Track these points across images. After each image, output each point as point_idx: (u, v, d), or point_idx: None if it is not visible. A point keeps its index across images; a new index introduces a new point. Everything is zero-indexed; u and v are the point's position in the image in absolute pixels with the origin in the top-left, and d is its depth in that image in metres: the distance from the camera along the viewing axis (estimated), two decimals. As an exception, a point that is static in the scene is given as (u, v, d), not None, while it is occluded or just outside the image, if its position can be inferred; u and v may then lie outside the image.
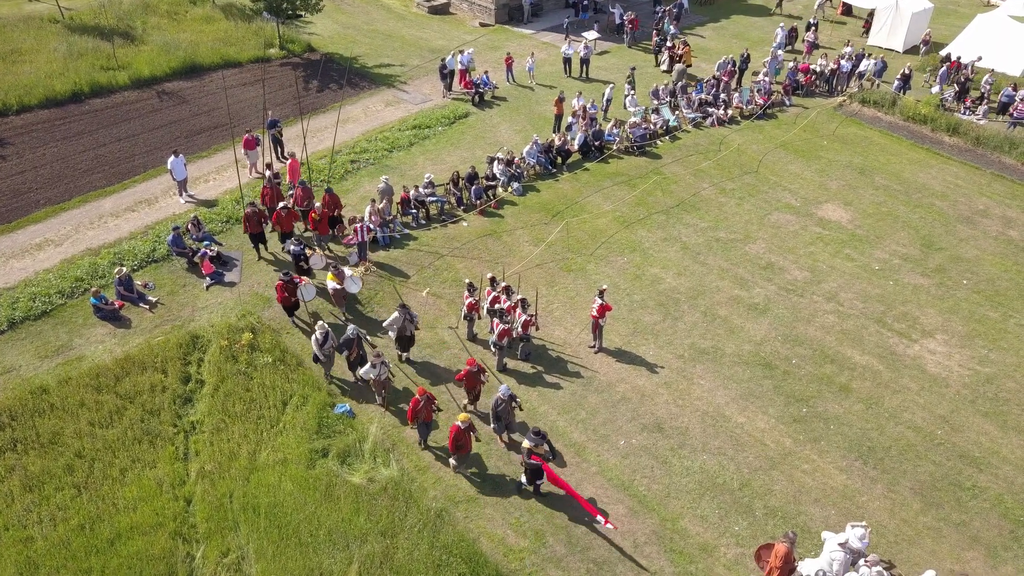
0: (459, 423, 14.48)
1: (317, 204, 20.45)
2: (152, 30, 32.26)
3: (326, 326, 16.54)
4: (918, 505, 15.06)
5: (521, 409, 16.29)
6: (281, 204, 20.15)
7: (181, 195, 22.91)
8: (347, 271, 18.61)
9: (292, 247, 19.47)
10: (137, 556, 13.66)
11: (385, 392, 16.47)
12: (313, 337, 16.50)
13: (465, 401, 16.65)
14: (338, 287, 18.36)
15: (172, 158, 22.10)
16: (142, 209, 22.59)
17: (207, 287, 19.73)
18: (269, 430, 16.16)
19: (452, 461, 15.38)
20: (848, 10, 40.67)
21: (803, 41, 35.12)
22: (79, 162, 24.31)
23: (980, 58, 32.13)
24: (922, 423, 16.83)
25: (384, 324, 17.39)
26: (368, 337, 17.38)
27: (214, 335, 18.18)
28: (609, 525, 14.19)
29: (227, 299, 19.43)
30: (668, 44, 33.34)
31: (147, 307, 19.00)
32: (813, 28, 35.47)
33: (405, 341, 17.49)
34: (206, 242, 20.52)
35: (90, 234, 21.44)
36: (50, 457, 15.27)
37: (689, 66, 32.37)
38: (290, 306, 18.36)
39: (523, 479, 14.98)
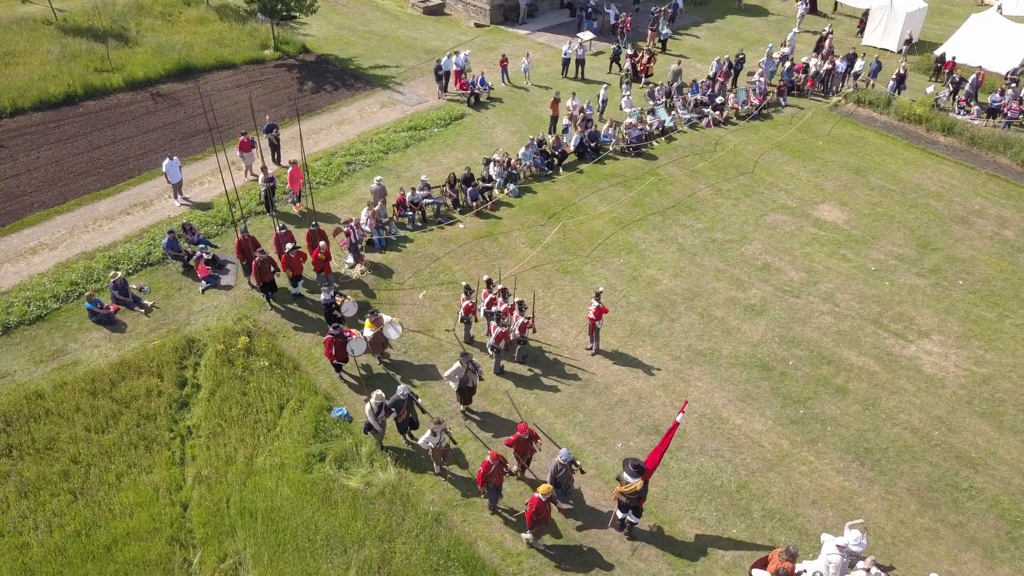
0: (539, 495, 13.16)
1: (323, 243, 19.05)
2: (146, 31, 32.13)
3: (382, 395, 15.21)
4: (915, 506, 15.08)
5: (583, 472, 14.81)
6: (290, 246, 19.03)
7: (176, 198, 22.83)
8: (385, 317, 17.67)
9: (323, 296, 18.19)
10: (134, 562, 13.61)
11: (444, 461, 15.42)
12: (368, 406, 15.22)
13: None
14: (376, 335, 17.40)
15: (167, 161, 22.02)
16: (137, 212, 22.50)
17: (203, 290, 19.67)
18: (266, 434, 16.11)
19: (526, 536, 14.10)
20: (813, 8, 40.52)
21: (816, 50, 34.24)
22: (73, 165, 24.20)
23: None
24: (919, 424, 16.86)
25: (445, 375, 16.39)
26: (420, 400, 16.06)
27: (210, 339, 18.13)
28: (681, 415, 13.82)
29: (223, 302, 19.37)
30: (630, 53, 32.43)
31: (142, 311, 18.93)
32: (829, 36, 34.93)
33: (467, 393, 16.40)
34: (201, 245, 20.47)
35: (85, 237, 21.35)
36: (46, 463, 15.20)
37: (651, 75, 32.01)
38: (338, 361, 17.28)
39: (619, 513, 14.24)
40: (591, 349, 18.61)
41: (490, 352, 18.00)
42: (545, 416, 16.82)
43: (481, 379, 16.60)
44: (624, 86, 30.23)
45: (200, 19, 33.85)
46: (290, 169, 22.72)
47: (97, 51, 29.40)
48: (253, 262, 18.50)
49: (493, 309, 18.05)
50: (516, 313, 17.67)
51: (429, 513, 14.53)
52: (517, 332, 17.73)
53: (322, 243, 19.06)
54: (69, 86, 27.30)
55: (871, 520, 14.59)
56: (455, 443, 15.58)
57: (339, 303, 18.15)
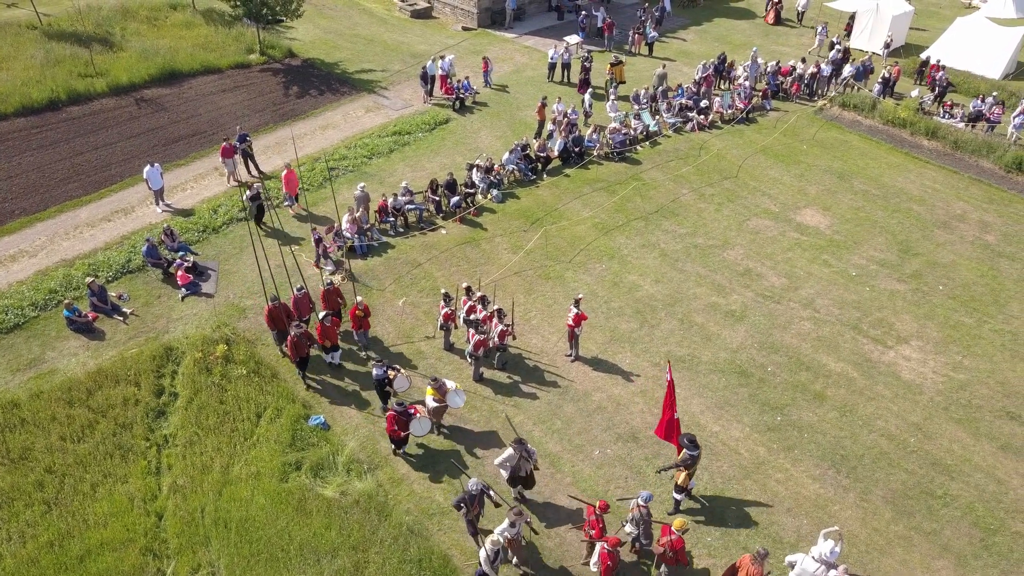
0: (678, 533, 12.98)
1: (360, 299, 17.98)
2: (131, 36, 32.01)
3: (499, 541, 13.06)
4: (890, 514, 15.11)
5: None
6: (324, 313, 17.60)
7: (158, 204, 22.78)
8: (449, 383, 16.23)
9: (375, 371, 16.57)
10: (107, 573, 13.59)
11: (522, 555, 14.00)
12: (482, 552, 13.24)
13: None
14: (439, 404, 16.13)
15: (148, 168, 21.97)
16: (118, 219, 22.45)
17: (182, 298, 19.63)
18: (243, 443, 16.08)
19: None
20: (777, 19, 40.38)
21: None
22: (55, 171, 24.12)
23: None
24: (895, 431, 16.89)
25: (496, 462, 14.79)
26: (492, 491, 14.30)
27: (188, 347, 18.09)
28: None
29: (202, 310, 19.34)
30: (586, 63, 31.09)
31: (121, 319, 18.89)
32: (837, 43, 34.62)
33: (520, 481, 14.93)
34: (181, 252, 20.43)
35: (65, 245, 21.29)
36: (20, 473, 15.15)
37: (623, 82, 31.32)
38: (399, 439, 15.81)
39: (677, 497, 14.91)
40: (570, 356, 18.61)
41: (469, 359, 18.01)
42: (523, 423, 16.81)
43: (536, 468, 14.98)
44: (611, 90, 30.24)
45: (186, 23, 33.73)
46: (284, 172, 22.68)
47: (81, 56, 29.28)
48: (289, 338, 16.93)
49: (472, 316, 18.05)
50: (495, 320, 17.68)
51: (404, 523, 14.52)
52: (496, 339, 17.73)
53: (359, 298, 17.98)
54: (52, 91, 27.17)
55: (845, 528, 14.60)
56: (536, 532, 14.37)
57: (391, 377, 16.56)
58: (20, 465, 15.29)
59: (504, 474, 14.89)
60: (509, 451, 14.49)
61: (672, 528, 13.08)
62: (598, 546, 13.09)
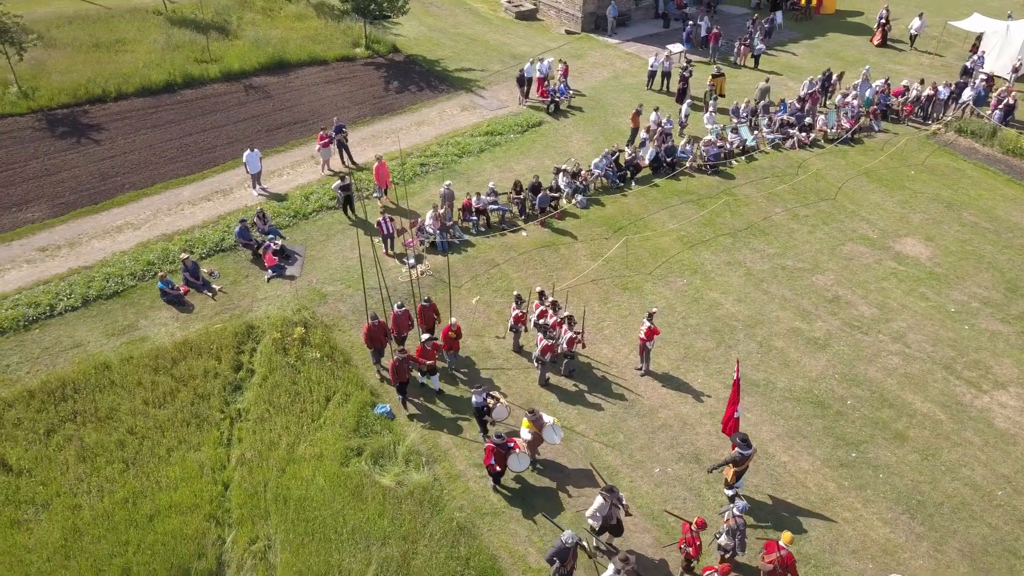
0: (787, 547, 12.76)
1: (454, 320, 17.97)
2: (246, 25, 33.54)
3: None
4: (965, 569, 14.12)
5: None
6: (426, 336, 17.32)
7: (254, 188, 23.77)
8: (547, 418, 15.63)
9: (474, 398, 16.08)
10: (172, 534, 14.22)
11: None
12: None
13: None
14: (534, 437, 15.53)
15: (248, 152, 22.98)
16: (217, 199, 23.56)
17: (268, 279, 20.40)
18: (309, 424, 16.58)
19: None
20: (884, 39, 38.11)
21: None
22: (165, 150, 25.54)
23: None
24: (981, 481, 15.78)
25: (587, 514, 14.03)
26: (584, 543, 13.90)
27: (269, 327, 18.78)
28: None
29: (285, 292, 20.04)
30: (686, 73, 30.40)
31: (210, 294, 19.79)
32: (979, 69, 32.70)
33: (611, 530, 14.16)
34: (271, 235, 21.22)
35: (167, 220, 22.50)
36: (105, 431, 16.09)
37: (722, 95, 30.53)
38: (497, 473, 15.28)
39: (727, 492, 15.02)
40: (640, 369, 18.29)
41: (535, 364, 17.96)
42: (585, 433, 16.64)
43: (629, 514, 14.25)
44: (711, 102, 29.54)
45: (298, 15, 35.09)
46: (376, 164, 23.27)
47: (199, 42, 30.92)
48: (392, 362, 16.78)
49: (542, 321, 17.99)
50: (565, 327, 17.56)
51: (455, 519, 14.61)
52: (564, 346, 17.60)
53: (453, 319, 17.91)
54: (170, 74, 28.79)
55: (915, 578, 13.78)
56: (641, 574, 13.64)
57: (490, 406, 16.13)
58: (106, 423, 16.25)
59: (595, 525, 14.05)
60: (599, 501, 13.79)
61: (780, 543, 12.79)
62: None
